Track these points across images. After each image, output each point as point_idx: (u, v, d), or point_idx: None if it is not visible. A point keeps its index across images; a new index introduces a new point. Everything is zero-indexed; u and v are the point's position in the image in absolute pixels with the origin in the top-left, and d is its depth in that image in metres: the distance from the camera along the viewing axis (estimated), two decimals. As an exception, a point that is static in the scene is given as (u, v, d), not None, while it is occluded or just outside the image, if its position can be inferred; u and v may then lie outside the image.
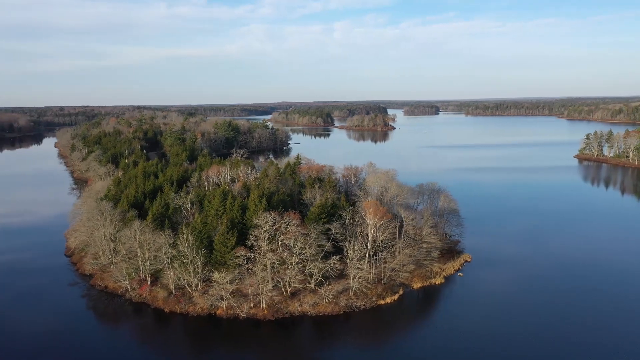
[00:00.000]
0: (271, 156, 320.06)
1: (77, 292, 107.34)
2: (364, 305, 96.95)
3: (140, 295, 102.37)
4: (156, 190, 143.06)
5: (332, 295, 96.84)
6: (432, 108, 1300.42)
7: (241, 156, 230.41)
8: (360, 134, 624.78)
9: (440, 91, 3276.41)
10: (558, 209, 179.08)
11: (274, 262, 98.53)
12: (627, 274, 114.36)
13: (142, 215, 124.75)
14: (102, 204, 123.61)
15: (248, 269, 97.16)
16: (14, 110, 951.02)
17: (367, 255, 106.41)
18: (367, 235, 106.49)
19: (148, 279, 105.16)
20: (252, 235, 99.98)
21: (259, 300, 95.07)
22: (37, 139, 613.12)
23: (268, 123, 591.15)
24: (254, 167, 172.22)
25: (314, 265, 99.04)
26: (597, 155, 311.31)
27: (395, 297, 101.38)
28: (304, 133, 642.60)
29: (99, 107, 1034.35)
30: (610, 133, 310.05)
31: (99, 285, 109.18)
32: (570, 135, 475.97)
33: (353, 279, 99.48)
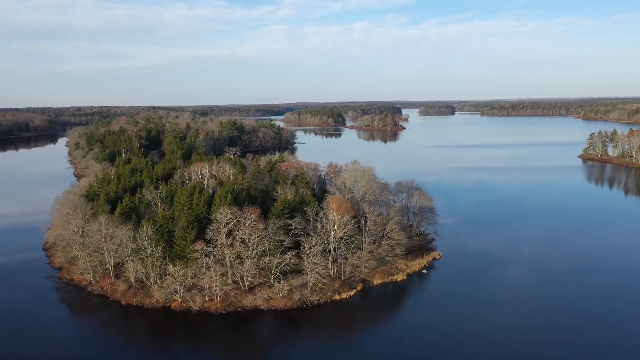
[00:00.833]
0: (276, 155, 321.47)
1: (44, 284, 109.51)
2: (318, 300, 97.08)
3: (101, 288, 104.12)
4: (137, 187, 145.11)
5: (286, 290, 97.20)
6: (447, 108, 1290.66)
7: (234, 154, 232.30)
8: (370, 134, 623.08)
9: (458, 91, 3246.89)
10: (549, 210, 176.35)
11: (231, 257, 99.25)
12: (609, 273, 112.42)
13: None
14: (74, 198, 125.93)
15: (204, 263, 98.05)
16: (34, 110, 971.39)
17: (327, 251, 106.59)
18: (328, 231, 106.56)
19: (112, 272, 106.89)
20: (209, 229, 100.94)
21: (213, 293, 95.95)
22: (53, 138, 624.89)
23: (280, 123, 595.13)
24: (242, 165, 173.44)
25: (269, 260, 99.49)
26: (601, 155, 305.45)
27: (352, 292, 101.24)
28: (315, 133, 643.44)
29: (116, 107, 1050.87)
30: (615, 132, 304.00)
31: (66, 278, 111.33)
32: (580, 135, 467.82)
33: (310, 274, 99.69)
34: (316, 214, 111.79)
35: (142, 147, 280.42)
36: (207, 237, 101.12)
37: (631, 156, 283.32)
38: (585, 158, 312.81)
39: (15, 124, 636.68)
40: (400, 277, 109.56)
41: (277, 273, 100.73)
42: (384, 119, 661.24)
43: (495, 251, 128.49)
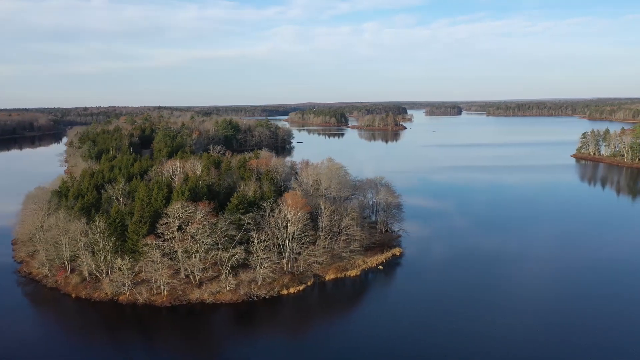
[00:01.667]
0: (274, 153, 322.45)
1: (4, 278, 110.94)
2: (265, 294, 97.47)
3: (55, 282, 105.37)
4: (109, 183, 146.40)
5: (233, 284, 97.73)
6: (454, 109, 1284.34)
7: (218, 152, 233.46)
8: (371, 133, 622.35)
9: (466, 92, 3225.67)
10: (528, 209, 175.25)
11: (181, 251, 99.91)
12: (587, 273, 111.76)
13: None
14: (40, 193, 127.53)
15: (152, 257, 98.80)
16: (43, 110, 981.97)
17: (279, 246, 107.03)
18: (280, 226, 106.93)
19: (68, 266, 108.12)
20: (160, 224, 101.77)
21: (160, 287, 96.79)
22: (57, 137, 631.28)
23: (284, 123, 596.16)
24: (217, 163, 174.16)
25: (216, 254, 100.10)
26: (594, 154, 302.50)
27: (301, 287, 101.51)
28: (318, 133, 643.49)
29: (122, 107, 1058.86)
30: (607, 131, 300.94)
31: (24, 271, 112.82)
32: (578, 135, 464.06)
33: (259, 268, 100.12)
34: (272, 210, 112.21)
35: (132, 145, 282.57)
36: (159, 231, 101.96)
37: (623, 155, 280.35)
38: (578, 157, 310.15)
39: (20, 123, 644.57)
40: (353, 272, 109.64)
41: (228, 267, 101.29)
42: (385, 119, 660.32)
43: (459, 249, 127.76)
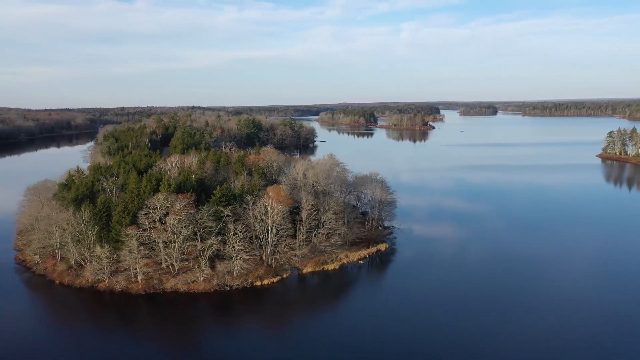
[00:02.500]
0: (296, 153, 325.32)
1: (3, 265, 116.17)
2: (237, 285, 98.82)
3: (44, 269, 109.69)
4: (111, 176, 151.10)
5: (207, 274, 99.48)
6: (489, 109, 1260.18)
7: (229, 149, 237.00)
8: (399, 133, 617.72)
9: (504, 92, 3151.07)
10: (532, 211, 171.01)
11: (154, 241, 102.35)
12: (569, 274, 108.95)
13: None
14: (38, 185, 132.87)
15: (129, 246, 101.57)
16: (84, 110, 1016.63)
17: (257, 238, 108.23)
18: (258, 219, 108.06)
19: (58, 254, 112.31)
20: (140, 214, 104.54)
21: (137, 275, 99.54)
22: (92, 136, 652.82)
23: (315, 123, 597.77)
24: (220, 158, 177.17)
25: (192, 245, 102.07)
26: (620, 154, 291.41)
27: (275, 279, 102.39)
28: (348, 132, 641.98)
29: (157, 107, 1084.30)
30: (634, 130, 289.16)
31: (19, 259, 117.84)
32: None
33: (235, 259, 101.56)
34: (254, 202, 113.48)
35: (152, 142, 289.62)
36: (140, 221, 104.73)
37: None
38: (603, 157, 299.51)
39: (58, 122, 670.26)
40: (332, 266, 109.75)
41: (206, 258, 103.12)
42: (412, 119, 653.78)
43: (452, 248, 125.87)
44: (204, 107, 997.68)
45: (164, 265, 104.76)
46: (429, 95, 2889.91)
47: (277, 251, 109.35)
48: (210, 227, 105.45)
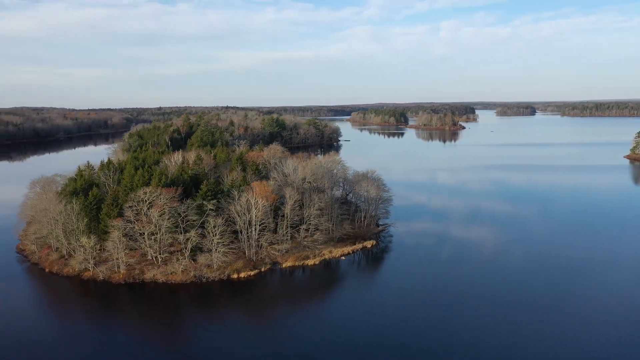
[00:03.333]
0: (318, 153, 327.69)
1: (1, 256, 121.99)
2: (214, 277, 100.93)
3: (39, 258, 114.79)
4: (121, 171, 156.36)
5: (185, 265, 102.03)
6: (527, 109, 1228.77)
7: (240, 146, 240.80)
8: (428, 133, 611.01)
9: (544, 92, 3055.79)
10: (545, 212, 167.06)
11: (137, 232, 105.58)
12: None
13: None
14: (42, 179, 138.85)
15: (112, 237, 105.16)
16: (125, 110, 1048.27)
17: (238, 232, 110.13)
18: (240, 212, 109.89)
19: (54, 244, 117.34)
20: (125, 207, 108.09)
21: (119, 265, 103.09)
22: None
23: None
24: (222, 154, 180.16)
25: (172, 237, 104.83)
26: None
27: (252, 273, 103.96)
28: (378, 132, 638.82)
29: (193, 107, 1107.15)
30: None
31: (19, 248, 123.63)
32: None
33: (215, 252, 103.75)
34: (239, 197, 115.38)
35: (173, 140, 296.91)
36: (126, 214, 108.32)
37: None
38: (632, 158, 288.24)
39: (95, 121, 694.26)
40: (312, 261, 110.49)
41: (188, 250, 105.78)
42: (442, 119, 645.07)
43: (445, 246, 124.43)
44: (237, 107, 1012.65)
45: (149, 257, 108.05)
46: (466, 96, 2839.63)
47: (259, 245, 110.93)
48: (193, 220, 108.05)
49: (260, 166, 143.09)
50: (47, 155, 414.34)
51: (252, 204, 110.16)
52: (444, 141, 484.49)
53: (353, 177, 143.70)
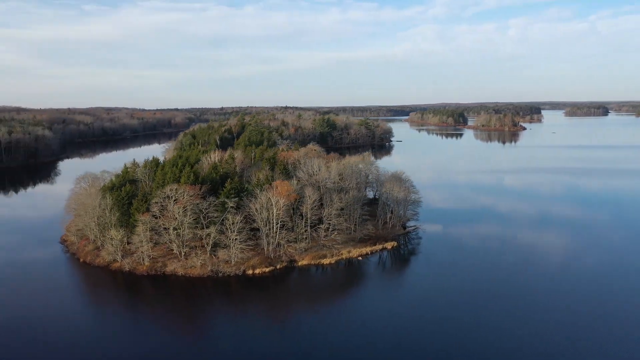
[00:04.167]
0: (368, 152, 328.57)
1: (47, 245, 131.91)
2: (230, 272, 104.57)
3: (77, 249, 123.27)
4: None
5: (203, 260, 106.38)
6: (599, 109, 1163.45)
7: (284, 145, 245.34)
8: (487, 134, 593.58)
9: (620, 91, 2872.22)
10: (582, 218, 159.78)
11: (166, 227, 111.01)
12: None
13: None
14: (87, 176, 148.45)
15: (137, 231, 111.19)
16: (191, 110, 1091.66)
17: (258, 230, 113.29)
18: (259, 211, 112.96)
19: (91, 236, 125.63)
20: (152, 202, 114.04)
21: (143, 257, 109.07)
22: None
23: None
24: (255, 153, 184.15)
25: (192, 232, 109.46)
26: None
27: (267, 269, 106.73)
28: (435, 133, 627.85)
29: (253, 107, 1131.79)
30: None
31: (63, 239, 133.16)
32: None
33: (233, 248, 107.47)
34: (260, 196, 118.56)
35: (224, 139, 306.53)
36: (152, 209, 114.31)
37: None
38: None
39: (160, 121, 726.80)
40: (328, 260, 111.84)
41: (209, 245, 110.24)
42: (502, 119, 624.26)
43: (469, 250, 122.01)
44: (296, 107, 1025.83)
45: (175, 251, 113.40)
46: (533, 95, 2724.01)
47: (278, 243, 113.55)
48: (214, 217, 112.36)
49: (290, 166, 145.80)
50: (113, 153, 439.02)
51: (273, 203, 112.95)
52: (503, 142, 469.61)
53: (380, 178, 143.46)
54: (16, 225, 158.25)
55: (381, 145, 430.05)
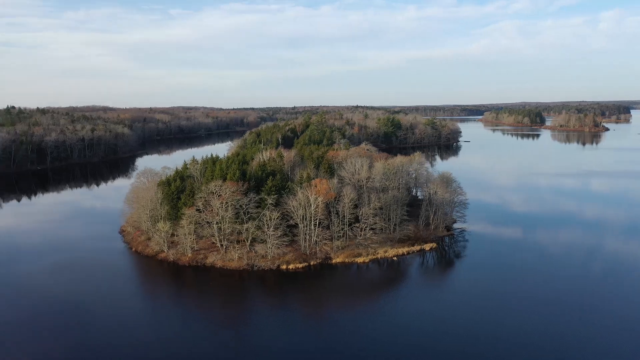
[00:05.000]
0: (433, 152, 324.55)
1: (108, 235, 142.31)
2: (264, 266, 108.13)
3: (131, 239, 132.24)
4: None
5: (240, 253, 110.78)
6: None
7: (343, 145, 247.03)
8: (566, 135, 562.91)
9: None
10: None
11: (209, 221, 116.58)
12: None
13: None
14: (146, 171, 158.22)
15: (181, 224, 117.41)
16: (268, 110, 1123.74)
17: (294, 226, 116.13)
18: (296, 208, 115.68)
19: (144, 227, 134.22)
20: (196, 198, 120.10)
21: (186, 249, 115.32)
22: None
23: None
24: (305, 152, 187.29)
25: (232, 226, 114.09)
26: None
27: (301, 265, 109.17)
28: (510, 133, 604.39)
29: (323, 106, 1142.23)
30: None
31: (122, 230, 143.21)
32: None
33: (268, 243, 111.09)
34: (301, 193, 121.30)
35: (286, 138, 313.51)
36: (197, 203, 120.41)
37: None
38: None
39: (233, 119, 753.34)
40: (362, 259, 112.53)
41: (248, 240, 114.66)
42: (582, 119, 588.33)
43: (516, 256, 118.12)
44: (367, 107, 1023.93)
45: (217, 244, 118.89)
46: (624, 93, 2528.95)
47: (314, 240, 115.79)
48: (253, 213, 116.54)
49: (335, 165, 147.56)
50: (188, 150, 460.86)
51: (311, 201, 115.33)
52: (583, 143, 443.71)
53: (425, 179, 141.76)
54: (87, 215, 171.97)
55: (447, 145, 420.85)
